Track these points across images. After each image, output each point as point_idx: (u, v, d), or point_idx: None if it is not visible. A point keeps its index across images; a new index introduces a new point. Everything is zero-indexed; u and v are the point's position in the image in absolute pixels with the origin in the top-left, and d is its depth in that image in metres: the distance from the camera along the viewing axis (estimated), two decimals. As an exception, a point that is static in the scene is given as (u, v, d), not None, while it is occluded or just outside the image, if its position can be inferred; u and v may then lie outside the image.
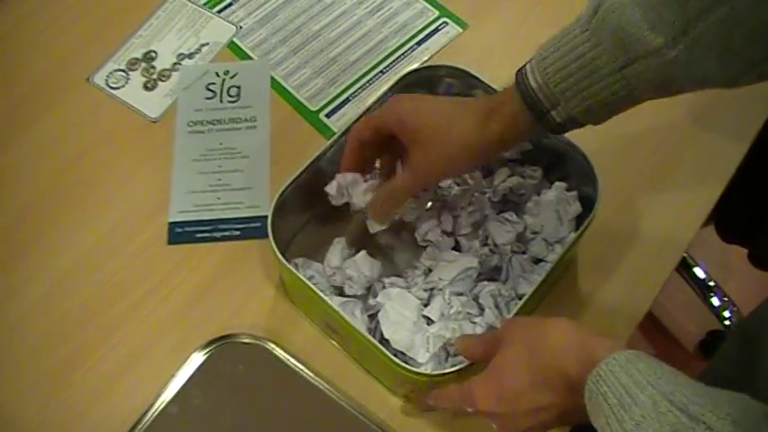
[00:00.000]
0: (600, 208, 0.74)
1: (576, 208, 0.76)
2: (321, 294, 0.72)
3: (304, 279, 0.73)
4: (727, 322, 1.52)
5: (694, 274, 1.52)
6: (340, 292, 0.80)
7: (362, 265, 0.78)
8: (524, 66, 0.66)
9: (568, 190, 0.79)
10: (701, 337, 1.56)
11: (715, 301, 1.52)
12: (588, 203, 0.75)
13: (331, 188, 0.76)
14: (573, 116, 0.65)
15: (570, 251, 0.74)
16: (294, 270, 0.74)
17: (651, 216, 0.86)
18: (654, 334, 1.56)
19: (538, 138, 0.79)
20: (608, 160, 0.86)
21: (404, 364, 0.68)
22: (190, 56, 0.97)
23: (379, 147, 0.75)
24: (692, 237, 0.86)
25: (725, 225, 1.15)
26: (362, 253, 0.79)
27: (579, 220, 0.78)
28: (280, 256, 0.74)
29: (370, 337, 0.70)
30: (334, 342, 0.79)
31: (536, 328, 0.62)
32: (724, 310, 1.53)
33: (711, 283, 1.51)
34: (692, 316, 1.56)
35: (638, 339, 1.48)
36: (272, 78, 0.94)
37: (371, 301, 0.76)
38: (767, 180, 1.00)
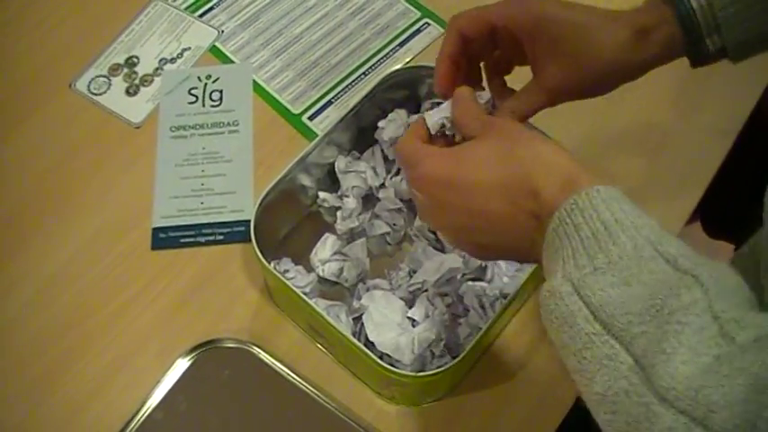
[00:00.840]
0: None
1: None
2: (305, 298, 0.72)
3: (288, 283, 0.73)
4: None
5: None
6: (324, 293, 0.80)
7: (360, 252, 0.78)
8: None
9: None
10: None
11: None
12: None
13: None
14: (726, 47, 0.60)
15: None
16: (278, 274, 0.74)
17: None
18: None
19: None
20: (586, 160, 0.86)
21: (389, 367, 0.68)
22: (172, 61, 0.97)
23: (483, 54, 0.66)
24: (677, 231, 0.86)
25: (711, 221, 1.15)
26: (362, 240, 0.79)
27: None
28: (263, 260, 0.73)
29: (354, 340, 0.70)
30: (319, 345, 0.79)
31: (525, 136, 0.54)
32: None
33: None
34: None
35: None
36: (255, 82, 0.94)
37: (356, 304, 0.76)
38: (752, 175, 1.00)
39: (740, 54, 0.61)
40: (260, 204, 0.77)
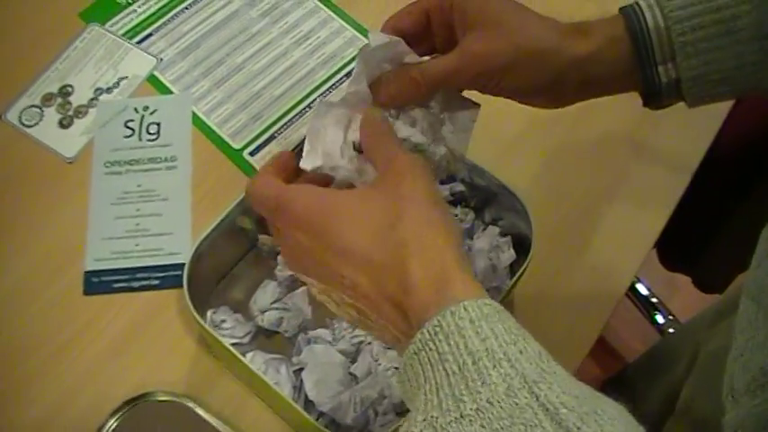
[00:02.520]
0: (537, 243, 0.72)
1: (509, 255, 0.73)
2: (239, 356, 0.68)
3: (222, 340, 0.69)
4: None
5: (637, 290, 1.51)
6: (265, 342, 0.76)
7: (301, 301, 0.75)
8: (637, 1, 0.57)
9: (502, 234, 0.76)
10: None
11: (659, 319, 1.51)
12: (525, 243, 0.73)
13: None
14: (680, 79, 0.56)
15: (506, 297, 0.71)
16: (211, 329, 0.70)
17: (592, 248, 0.83)
18: (597, 351, 1.54)
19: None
20: (543, 192, 0.83)
21: (324, 430, 0.64)
22: (108, 90, 0.92)
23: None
24: (636, 268, 0.84)
25: (667, 254, 1.13)
26: (303, 288, 0.76)
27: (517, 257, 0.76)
28: (196, 315, 0.70)
29: (292, 402, 0.66)
30: (258, 399, 0.75)
31: (416, 207, 0.47)
32: (669, 327, 1.52)
33: (655, 300, 1.50)
34: (636, 333, 1.55)
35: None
36: (194, 114, 0.90)
37: (295, 360, 0.72)
38: (709, 208, 0.98)
39: (695, 91, 0.56)
40: (195, 251, 0.73)
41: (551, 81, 0.57)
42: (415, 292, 0.43)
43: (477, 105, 0.61)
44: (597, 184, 0.86)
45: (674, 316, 1.52)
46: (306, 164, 0.57)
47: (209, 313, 0.77)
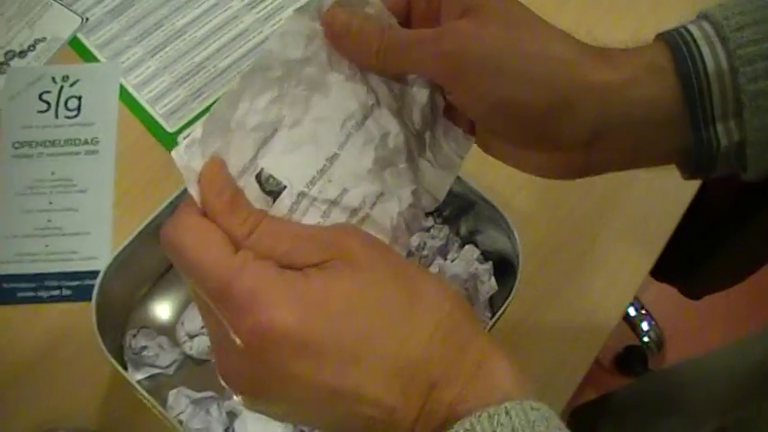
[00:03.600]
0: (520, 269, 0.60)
1: (490, 287, 0.61)
2: (152, 401, 0.56)
3: (129, 378, 0.57)
4: (645, 338, 1.43)
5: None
6: (195, 373, 0.63)
7: None
8: (686, 26, 0.41)
9: (483, 254, 0.64)
10: (617, 351, 1.45)
11: (631, 312, 1.41)
12: (506, 266, 0.60)
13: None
14: (745, 143, 0.41)
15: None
16: (116, 364, 0.57)
17: (583, 272, 0.71)
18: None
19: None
20: (529, 204, 0.71)
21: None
22: (21, 54, 0.78)
23: None
24: (632, 294, 0.72)
25: (657, 267, 1.01)
26: None
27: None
28: (99, 339, 0.57)
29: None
30: (184, 440, 0.63)
31: (402, 274, 0.38)
32: (641, 322, 1.43)
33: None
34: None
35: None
36: (122, 87, 0.76)
37: (226, 404, 0.60)
38: (705, 228, 0.87)
39: (765, 159, 0.41)
40: (114, 259, 0.60)
41: (551, 110, 0.42)
42: (445, 388, 0.35)
43: (470, 139, 0.48)
44: (590, 199, 0.73)
45: (646, 310, 1.43)
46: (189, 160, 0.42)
47: (127, 336, 0.64)
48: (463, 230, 0.65)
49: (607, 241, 0.72)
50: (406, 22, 0.45)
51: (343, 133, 0.45)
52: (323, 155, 0.45)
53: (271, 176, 0.43)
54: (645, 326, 1.43)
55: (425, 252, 0.63)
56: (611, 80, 0.41)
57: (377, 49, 0.43)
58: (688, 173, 0.44)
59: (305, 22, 0.45)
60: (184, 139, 0.43)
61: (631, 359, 1.42)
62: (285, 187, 0.43)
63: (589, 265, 0.71)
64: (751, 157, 0.41)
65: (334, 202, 0.44)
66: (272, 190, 0.43)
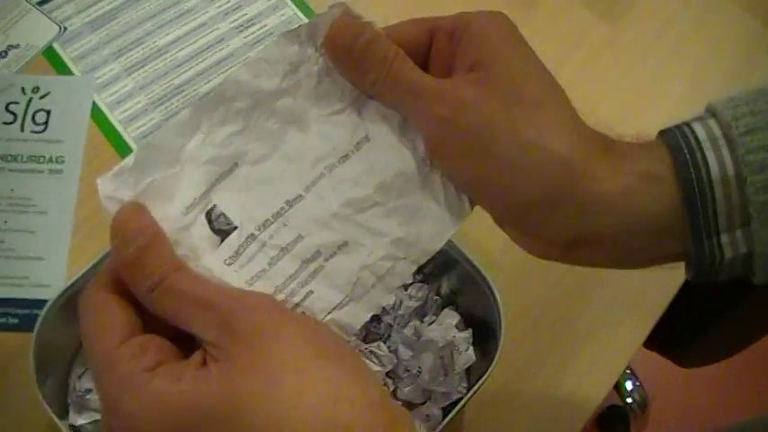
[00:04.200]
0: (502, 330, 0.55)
1: (467, 358, 0.56)
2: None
3: (61, 426, 0.52)
4: (629, 399, 1.39)
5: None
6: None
7: None
8: (690, 124, 0.38)
9: (463, 319, 0.59)
10: (599, 409, 1.40)
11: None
12: (488, 331, 0.56)
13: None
14: (752, 254, 0.37)
15: (457, 415, 0.54)
16: (49, 410, 0.52)
17: (568, 344, 0.66)
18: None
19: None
20: (516, 265, 0.66)
21: None
22: (-9, 60, 0.73)
23: None
24: (621, 369, 0.68)
25: (648, 336, 0.97)
26: None
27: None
28: (36, 389, 0.52)
29: None
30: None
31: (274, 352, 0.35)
32: (625, 381, 1.39)
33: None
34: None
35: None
36: (95, 105, 0.71)
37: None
38: (702, 294, 0.82)
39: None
40: (66, 290, 0.55)
41: (533, 206, 0.39)
42: None
43: (468, 208, 0.43)
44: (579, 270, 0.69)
45: (631, 369, 1.39)
46: (114, 190, 0.39)
47: (73, 376, 0.59)
48: (445, 289, 0.61)
49: (599, 311, 0.67)
50: (425, 53, 0.42)
51: (314, 173, 0.42)
52: (283, 196, 0.41)
53: (223, 214, 0.40)
54: (629, 385, 1.40)
55: (401, 312, 0.58)
56: (603, 190, 0.38)
57: (374, 81, 0.40)
58: (687, 276, 0.40)
59: (291, 47, 0.41)
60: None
61: (614, 419, 1.37)
62: (236, 228, 0.40)
63: (578, 334, 0.66)
64: (759, 267, 0.37)
65: (284, 249, 0.40)
66: (222, 229, 0.40)
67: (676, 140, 0.37)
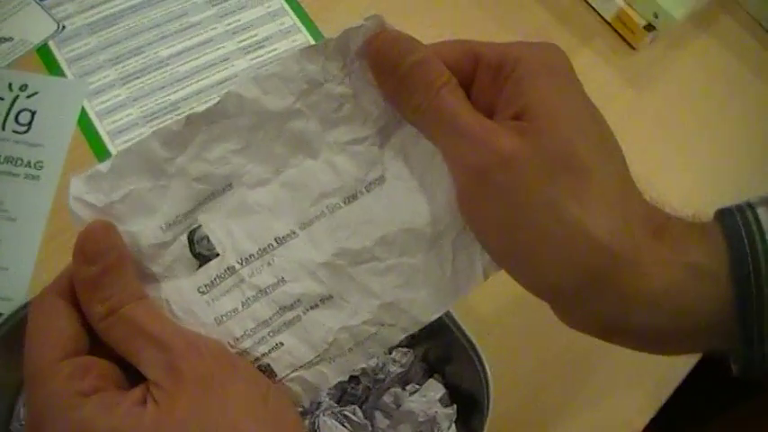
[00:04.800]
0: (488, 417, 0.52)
1: (449, 434, 0.52)
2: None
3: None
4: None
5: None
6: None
7: None
8: (753, 205, 0.35)
9: (448, 392, 0.55)
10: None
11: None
12: (475, 406, 0.52)
13: None
14: None
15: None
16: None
17: (565, 422, 0.62)
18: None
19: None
20: (514, 336, 0.62)
21: None
22: (-19, 51, 0.69)
23: None
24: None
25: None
26: None
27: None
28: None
29: None
30: None
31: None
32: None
33: None
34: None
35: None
36: (83, 111, 0.67)
37: None
38: (713, 379, 0.78)
39: None
40: (23, 307, 0.51)
41: (562, 291, 0.35)
42: None
43: (481, 277, 0.39)
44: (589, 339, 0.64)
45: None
46: (85, 193, 0.35)
47: (19, 402, 0.54)
48: (432, 356, 0.56)
49: (598, 389, 0.63)
50: (467, 82, 0.37)
51: (314, 211, 0.38)
52: (275, 231, 0.37)
53: (206, 238, 0.36)
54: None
55: (382, 376, 0.53)
56: (646, 284, 0.33)
57: (416, 106, 0.35)
58: (734, 373, 0.36)
59: (312, 64, 0.36)
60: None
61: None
62: (217, 255, 0.36)
63: (574, 414, 0.62)
64: None
65: (263, 291, 0.37)
66: (203, 253, 0.37)
67: (735, 227, 0.34)
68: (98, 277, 0.33)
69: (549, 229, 0.33)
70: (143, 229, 0.36)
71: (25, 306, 0.52)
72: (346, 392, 0.54)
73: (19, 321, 0.52)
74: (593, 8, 0.77)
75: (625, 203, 0.34)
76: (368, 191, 0.38)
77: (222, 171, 0.36)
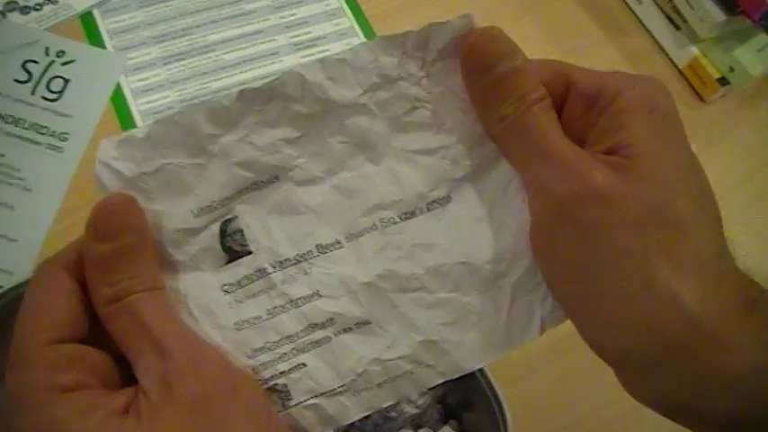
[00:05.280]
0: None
1: (461, 488, 0.47)
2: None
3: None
4: None
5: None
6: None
7: None
8: None
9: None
10: None
11: None
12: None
13: None
14: None
15: None
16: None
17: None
18: None
19: None
20: (541, 391, 0.58)
21: None
22: (24, 10, 0.66)
23: None
24: None
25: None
26: None
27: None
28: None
29: None
30: None
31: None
32: None
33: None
34: None
35: None
36: (118, 87, 0.63)
37: None
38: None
39: None
40: (21, 284, 0.47)
41: (636, 360, 0.31)
42: None
43: (537, 331, 0.35)
44: (624, 404, 0.60)
45: None
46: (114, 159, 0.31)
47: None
48: (451, 400, 0.52)
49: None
50: (557, 107, 0.33)
51: (365, 222, 0.33)
52: (318, 237, 0.33)
53: (241, 232, 0.32)
54: None
55: (395, 414, 0.49)
56: (730, 363, 0.29)
57: (502, 117, 0.32)
58: None
59: (388, 57, 0.32)
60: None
61: None
62: (250, 253, 0.32)
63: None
64: None
65: (294, 302, 0.33)
66: (234, 248, 0.33)
67: None
68: (110, 257, 0.30)
69: (631, 284, 0.29)
70: (172, 211, 0.32)
71: (26, 283, 0.48)
72: (354, 426, 0.50)
73: (16, 298, 0.48)
74: (666, 53, 0.73)
75: (719, 269, 0.30)
76: (429, 209, 0.34)
77: (270, 160, 0.33)
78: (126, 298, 0.30)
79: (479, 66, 0.32)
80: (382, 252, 0.33)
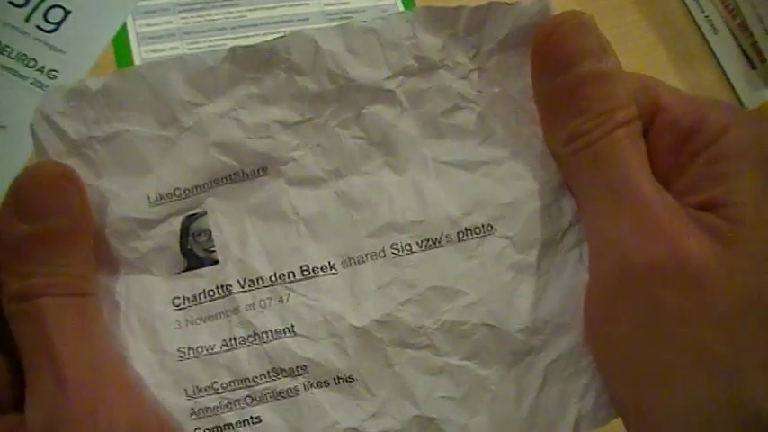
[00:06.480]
0: None
1: None
2: None
3: None
4: None
5: None
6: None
7: None
8: None
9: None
10: None
11: None
12: None
13: None
14: None
15: None
16: None
17: None
18: None
19: None
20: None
21: None
22: (35, -76, 0.58)
23: None
24: None
25: None
26: None
27: None
28: None
29: None
30: None
31: None
32: None
33: None
34: None
35: None
36: (123, 29, 0.57)
37: None
38: None
39: None
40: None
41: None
42: None
43: (569, 428, 0.27)
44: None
45: None
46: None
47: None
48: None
49: None
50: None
51: (371, 245, 0.26)
52: (305, 256, 0.26)
53: (208, 233, 0.26)
54: None
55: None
56: None
57: (574, 133, 0.24)
58: None
59: (432, 36, 0.25)
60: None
61: None
62: (216, 263, 0.25)
63: None
64: None
65: (258, 336, 0.25)
66: (195, 252, 0.26)
67: None
68: (28, 242, 0.23)
69: (714, 398, 0.22)
70: (123, 193, 0.25)
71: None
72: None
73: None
74: (735, 92, 0.65)
75: None
76: (459, 239, 0.27)
77: (259, 146, 0.26)
78: (36, 299, 0.23)
79: (556, 61, 0.25)
80: (387, 289, 0.26)
